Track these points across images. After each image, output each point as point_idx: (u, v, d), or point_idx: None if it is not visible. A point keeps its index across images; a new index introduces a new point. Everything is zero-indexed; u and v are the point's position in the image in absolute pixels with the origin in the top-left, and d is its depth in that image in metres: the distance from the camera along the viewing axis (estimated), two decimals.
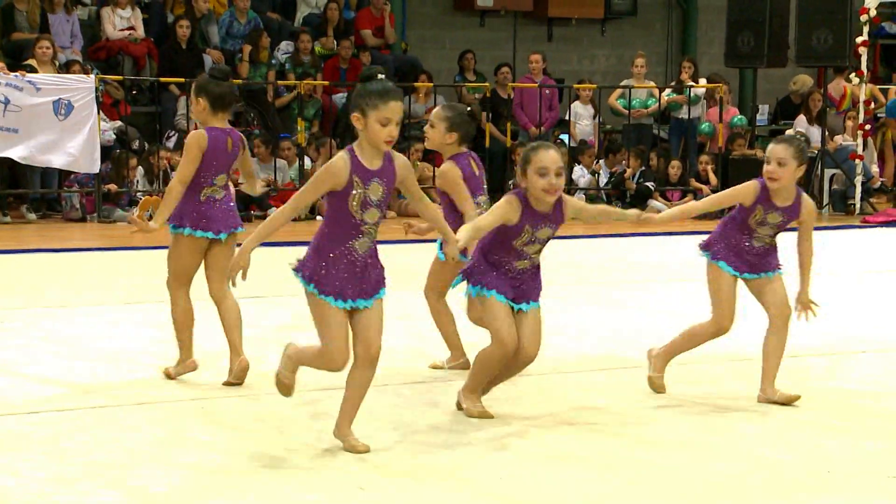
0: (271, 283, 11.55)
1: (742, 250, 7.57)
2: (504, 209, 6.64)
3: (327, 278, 6.00)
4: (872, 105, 22.67)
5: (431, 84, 22.82)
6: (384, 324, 6.17)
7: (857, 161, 21.24)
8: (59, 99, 18.74)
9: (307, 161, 20.90)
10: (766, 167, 7.08)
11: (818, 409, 7.46)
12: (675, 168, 22.04)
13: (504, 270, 6.76)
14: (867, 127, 21.71)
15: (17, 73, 18.57)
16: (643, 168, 22.07)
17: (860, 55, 21.14)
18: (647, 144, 22.34)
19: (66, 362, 8.98)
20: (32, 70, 19.02)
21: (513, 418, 7.22)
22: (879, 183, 22.89)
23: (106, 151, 19.54)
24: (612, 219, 7.63)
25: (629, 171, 21.98)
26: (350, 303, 6.01)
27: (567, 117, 23.40)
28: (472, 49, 24.48)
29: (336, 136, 21.24)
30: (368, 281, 6.06)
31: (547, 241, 6.80)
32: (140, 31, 21.51)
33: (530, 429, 6.92)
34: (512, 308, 6.73)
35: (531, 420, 7.47)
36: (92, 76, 19.39)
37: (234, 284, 6.28)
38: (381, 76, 6.06)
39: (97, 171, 19.22)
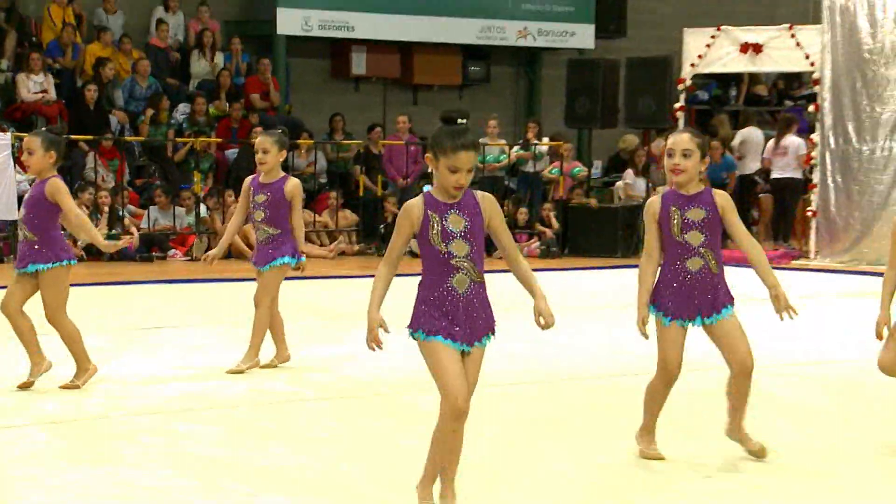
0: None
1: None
2: None
3: (431, 320, 5.83)
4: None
5: (312, 141, 23.68)
6: (479, 374, 5.92)
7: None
8: None
9: (202, 208, 21.57)
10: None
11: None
12: (522, 214, 23.16)
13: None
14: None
15: None
16: None
17: (677, 118, 22.43)
18: (500, 194, 22.59)
19: None
20: None
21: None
22: None
23: (21, 199, 20.05)
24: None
25: None
26: (458, 345, 5.81)
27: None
28: (347, 111, 25.04)
29: (228, 186, 21.77)
30: (474, 324, 5.84)
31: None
32: (52, 94, 21.75)
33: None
34: None
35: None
36: (8, 134, 19.58)
37: (376, 347, 5.85)
38: (461, 120, 6.05)
39: (14, 217, 18.44)
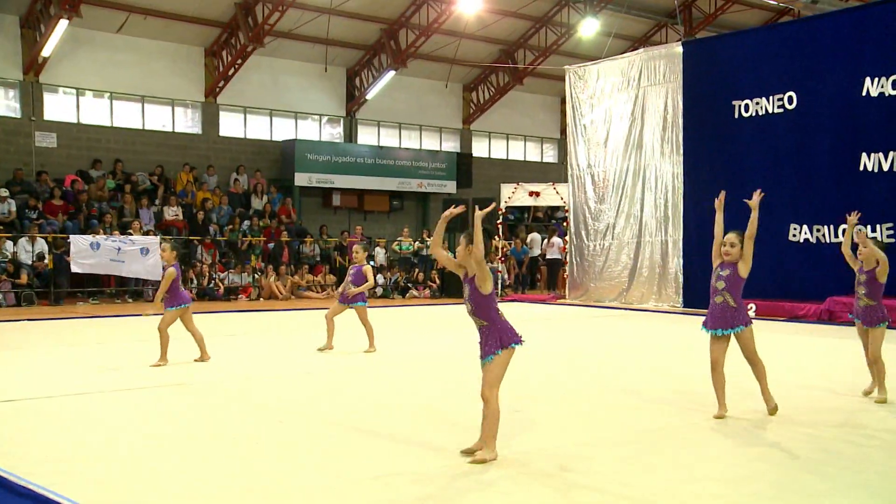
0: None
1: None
2: None
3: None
4: (505, 249, 23.37)
5: (312, 239, 23.08)
6: (494, 377, 5.27)
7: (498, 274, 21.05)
8: None
9: (255, 275, 20.90)
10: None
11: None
12: (421, 276, 22.85)
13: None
14: (498, 256, 21.95)
15: None
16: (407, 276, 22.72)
17: (499, 228, 22.29)
18: (409, 267, 23.12)
19: None
20: None
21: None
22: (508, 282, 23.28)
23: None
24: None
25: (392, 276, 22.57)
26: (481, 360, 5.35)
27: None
28: (329, 224, 24.92)
29: (269, 263, 21.48)
30: (484, 348, 5.34)
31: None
32: (180, 216, 21.62)
33: None
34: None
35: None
36: (157, 237, 18.49)
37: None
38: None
39: (156, 277, 17.05)
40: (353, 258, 11.39)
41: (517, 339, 5.38)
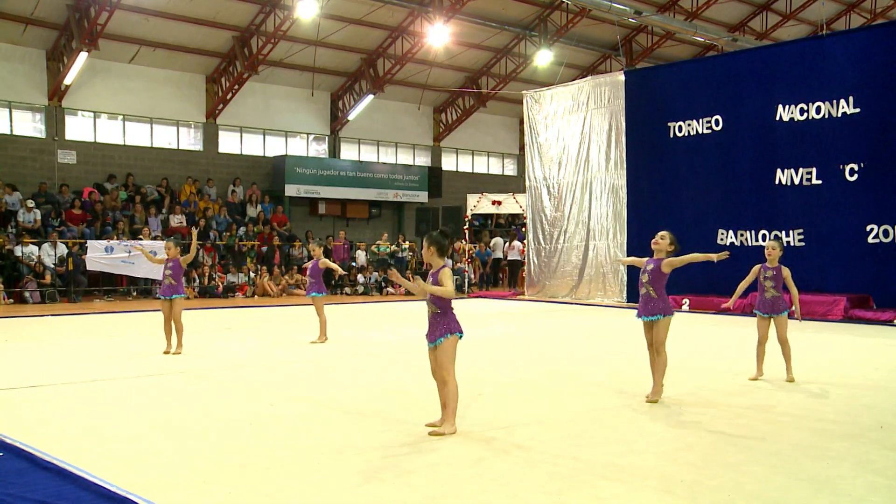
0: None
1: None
2: None
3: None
4: (471, 251, 23.61)
5: (300, 243, 22.90)
6: (447, 360, 5.28)
7: (464, 273, 22.00)
8: None
9: (251, 275, 20.83)
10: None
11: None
12: (397, 276, 24.19)
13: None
14: (465, 258, 22.74)
15: None
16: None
17: (465, 233, 22.78)
18: (386, 267, 22.29)
19: None
20: None
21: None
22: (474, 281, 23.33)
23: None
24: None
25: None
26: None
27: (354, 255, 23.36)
28: (316, 230, 24.83)
29: (263, 264, 21.50)
30: (433, 332, 5.34)
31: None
32: (184, 223, 21.40)
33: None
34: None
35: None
36: (166, 241, 17.55)
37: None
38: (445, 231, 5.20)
39: (157, 277, 17.21)
40: (312, 254, 11.33)
41: (461, 330, 5.42)
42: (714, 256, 6.91)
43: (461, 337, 5.42)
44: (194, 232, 10.15)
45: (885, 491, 4.25)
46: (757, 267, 7.94)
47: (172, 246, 9.50)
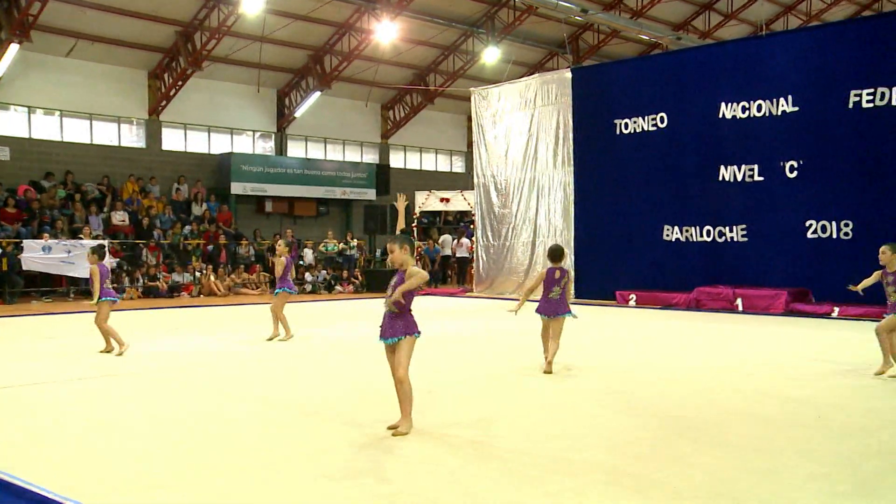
0: None
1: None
2: None
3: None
4: (420, 248, 23.35)
5: (247, 242, 22.82)
6: (405, 359, 5.21)
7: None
8: None
9: (196, 274, 20.55)
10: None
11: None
12: (345, 273, 22.82)
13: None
14: (414, 255, 22.20)
15: None
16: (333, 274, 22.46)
17: (414, 231, 23.28)
18: (334, 267, 22.99)
19: None
20: None
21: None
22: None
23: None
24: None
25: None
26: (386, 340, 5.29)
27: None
28: (263, 228, 24.83)
29: (208, 263, 21.20)
30: (393, 330, 5.27)
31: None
32: (127, 222, 21.21)
33: None
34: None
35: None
36: (106, 241, 18.49)
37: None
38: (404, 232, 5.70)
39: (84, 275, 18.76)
40: (278, 251, 11.36)
41: (419, 331, 5.41)
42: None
43: (418, 337, 5.41)
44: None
45: (822, 479, 4.36)
46: (878, 272, 7.74)
47: (90, 253, 9.47)
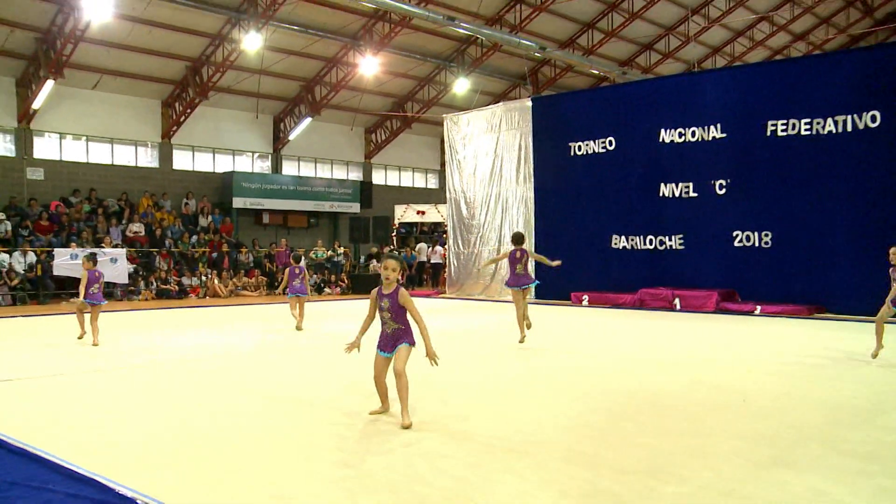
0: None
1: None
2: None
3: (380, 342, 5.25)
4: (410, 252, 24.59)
5: (247, 250, 22.55)
6: (406, 359, 5.10)
7: None
8: None
9: (203, 278, 20.38)
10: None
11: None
12: (333, 277, 22.34)
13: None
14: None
15: None
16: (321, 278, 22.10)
17: (393, 240, 23.81)
18: (323, 273, 22.57)
19: None
20: None
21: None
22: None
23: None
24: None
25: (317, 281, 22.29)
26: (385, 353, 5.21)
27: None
28: (260, 238, 24.59)
29: (213, 269, 20.89)
30: (395, 343, 5.15)
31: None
32: (142, 233, 21.06)
33: None
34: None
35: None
36: (124, 250, 18.83)
37: (350, 351, 5.12)
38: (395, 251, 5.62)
39: (124, 281, 18.41)
40: (290, 262, 11.86)
41: (414, 342, 5.33)
42: (554, 263, 9.00)
43: (414, 346, 5.32)
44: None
45: (746, 452, 4.39)
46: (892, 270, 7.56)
47: (86, 260, 9.43)
